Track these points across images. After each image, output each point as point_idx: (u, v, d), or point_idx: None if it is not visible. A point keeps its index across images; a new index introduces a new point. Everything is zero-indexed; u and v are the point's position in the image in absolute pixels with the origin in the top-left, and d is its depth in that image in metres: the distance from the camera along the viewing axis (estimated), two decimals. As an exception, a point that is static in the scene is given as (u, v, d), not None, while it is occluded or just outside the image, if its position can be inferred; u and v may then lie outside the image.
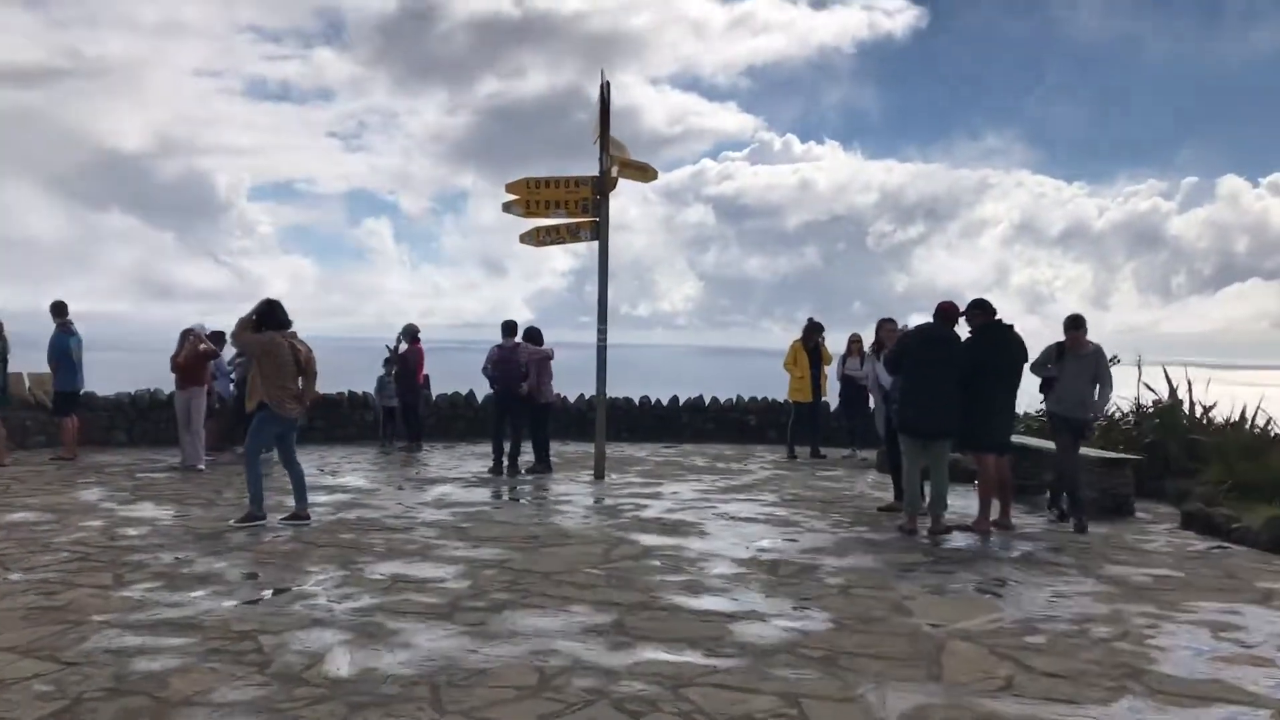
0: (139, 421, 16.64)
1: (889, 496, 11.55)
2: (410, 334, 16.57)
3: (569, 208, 13.14)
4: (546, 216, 13.23)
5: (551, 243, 13.37)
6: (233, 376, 15.49)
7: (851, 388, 16.52)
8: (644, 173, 13.45)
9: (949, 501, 9.87)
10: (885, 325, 15.61)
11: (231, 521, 9.47)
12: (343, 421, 17.95)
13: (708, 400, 19.60)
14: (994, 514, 9.88)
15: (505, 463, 13.54)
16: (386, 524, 9.59)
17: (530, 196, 13.15)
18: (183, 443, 13.70)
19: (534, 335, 13.87)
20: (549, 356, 13.68)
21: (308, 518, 9.65)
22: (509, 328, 13.76)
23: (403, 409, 16.58)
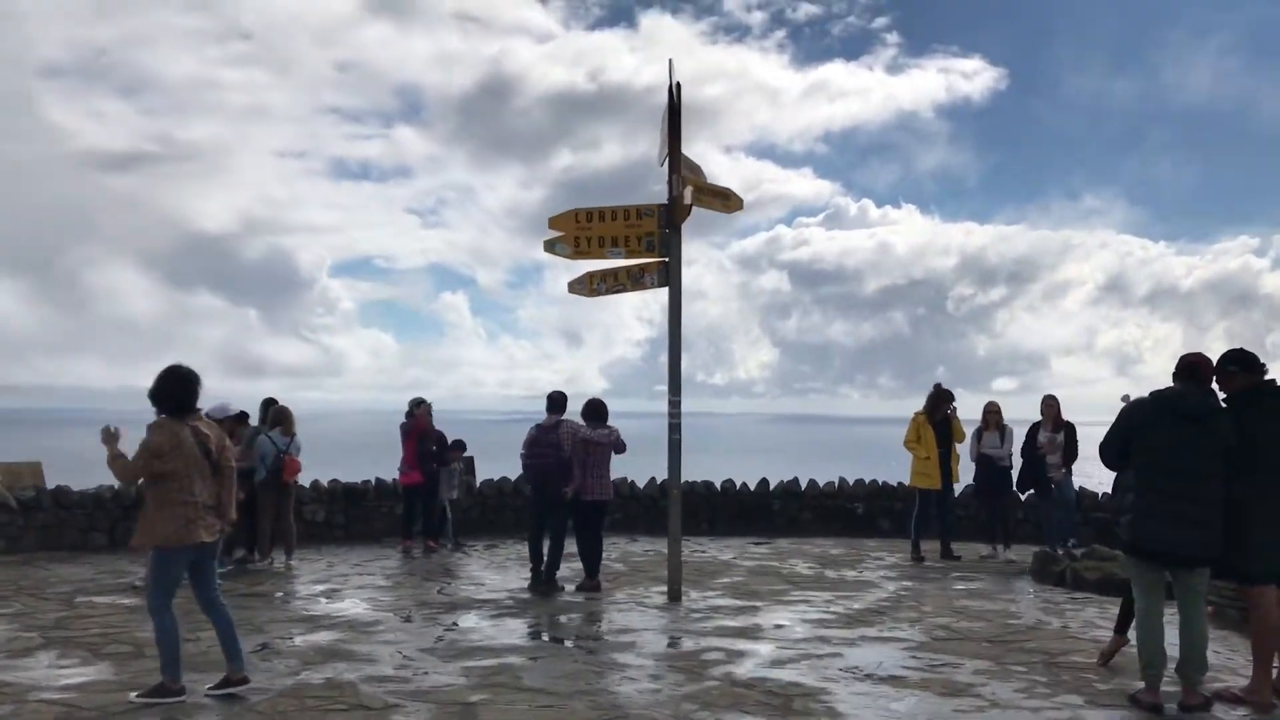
0: (124, 521, 13.86)
1: (1069, 625, 8.22)
2: (412, 406, 13.80)
3: (629, 246, 10.13)
4: (601, 257, 10.23)
5: (609, 291, 10.36)
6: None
7: (990, 470, 13.18)
8: (726, 201, 10.42)
9: (1209, 659, 6.52)
10: (1048, 402, 12.42)
11: (133, 696, 6.45)
12: (366, 515, 15.01)
13: (804, 483, 16.32)
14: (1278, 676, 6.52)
15: (545, 579, 10.47)
16: (364, 695, 6.52)
17: (580, 232, 10.18)
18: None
19: (594, 410, 10.81)
20: (604, 442, 10.61)
21: (244, 681, 6.62)
22: (555, 402, 10.73)
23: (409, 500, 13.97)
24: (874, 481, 16.36)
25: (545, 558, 10.48)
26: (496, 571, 11.85)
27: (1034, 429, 12.95)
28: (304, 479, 14.81)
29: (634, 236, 10.09)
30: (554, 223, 10.26)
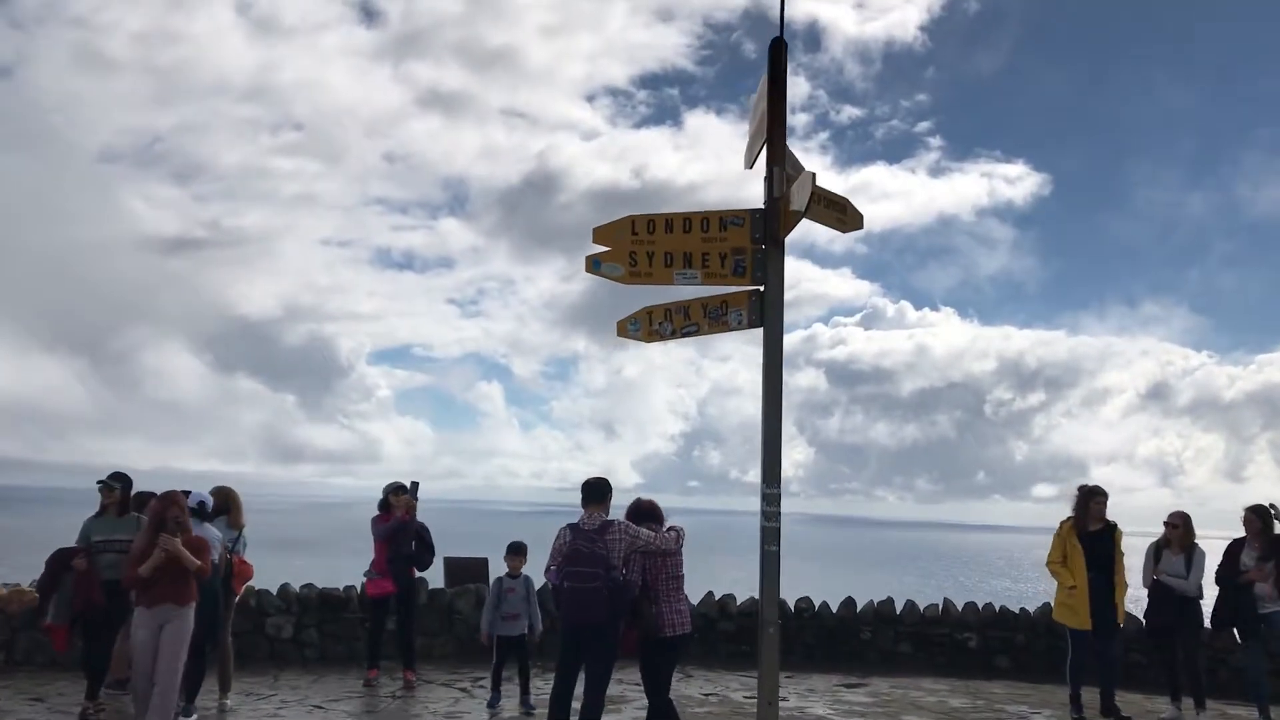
0: (24, 631, 10.73)
1: None
2: (387, 493, 10.69)
3: (708, 267, 7.04)
4: (665, 282, 7.14)
5: (676, 333, 7.24)
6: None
7: (1169, 602, 9.81)
8: (842, 215, 7.33)
9: None
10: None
11: None
12: (346, 631, 11.77)
13: (899, 607, 12.96)
14: None
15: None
16: None
17: (637, 247, 7.11)
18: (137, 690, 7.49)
19: (646, 513, 7.66)
20: (674, 549, 7.42)
21: None
22: (595, 491, 7.51)
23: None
24: (988, 606, 12.97)
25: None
26: (504, 725, 8.58)
27: (1234, 548, 9.65)
28: (270, 581, 11.69)
29: (715, 254, 7.00)
30: (601, 234, 7.19)
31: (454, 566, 13.22)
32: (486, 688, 10.26)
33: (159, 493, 8.09)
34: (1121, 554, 9.64)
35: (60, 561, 8.25)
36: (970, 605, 12.99)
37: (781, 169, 6.91)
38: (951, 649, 12.60)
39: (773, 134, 6.93)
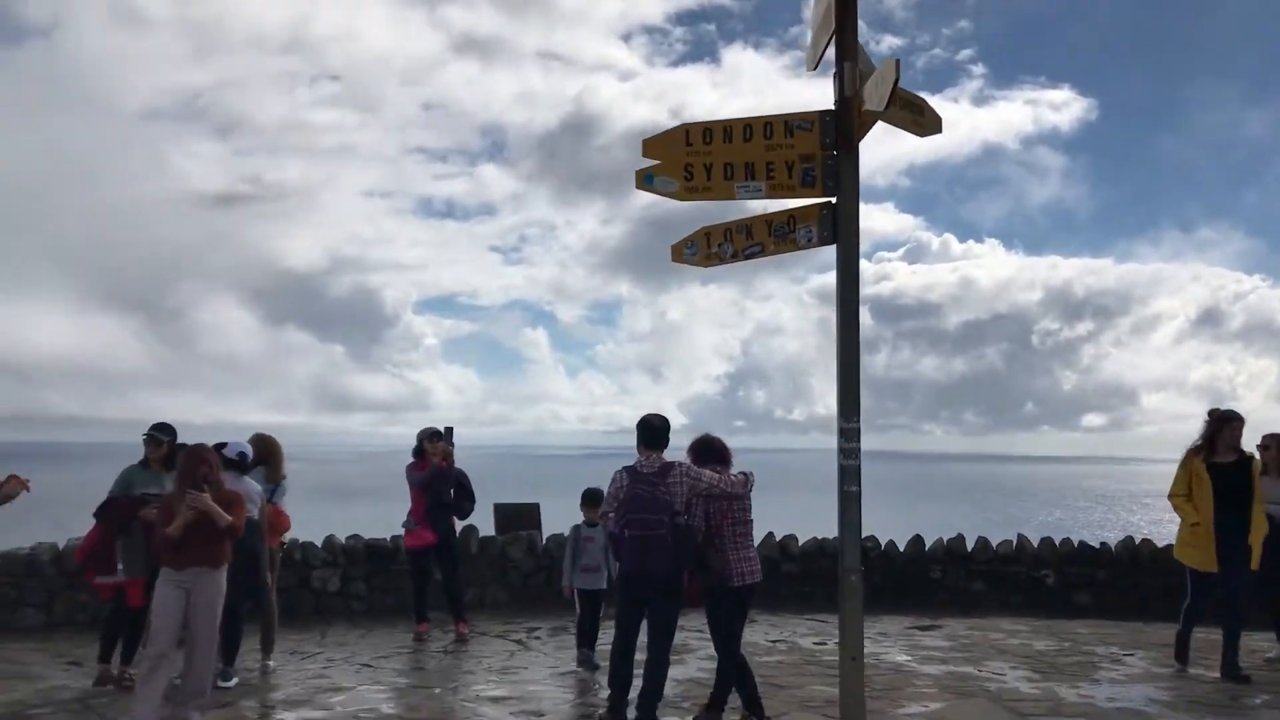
0: (66, 592, 10.37)
1: None
2: (421, 439, 10.15)
3: (774, 179, 6.33)
4: (726, 197, 6.44)
5: (738, 255, 6.56)
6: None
7: (1273, 534, 9.02)
8: (919, 117, 6.57)
9: None
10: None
11: None
12: (394, 582, 11.31)
13: (971, 544, 12.31)
14: None
15: (638, 712, 6.57)
16: None
17: (693, 158, 6.41)
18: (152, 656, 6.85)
19: (709, 450, 6.98)
20: (743, 492, 6.78)
21: None
22: (654, 431, 6.83)
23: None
24: (1065, 542, 12.30)
25: (645, 679, 6.61)
26: (563, 680, 8.06)
27: (1342, 473, 8.86)
28: (320, 532, 11.27)
29: (781, 164, 6.29)
30: (651, 146, 6.48)
31: (504, 513, 12.74)
32: (541, 638, 9.81)
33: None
34: (1260, 489, 8.73)
35: (124, 511, 7.67)
36: (1046, 540, 12.32)
37: (854, 64, 6.19)
38: (1028, 587, 11.96)
39: (843, 24, 6.20)
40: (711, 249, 6.69)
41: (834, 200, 6.24)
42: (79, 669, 8.42)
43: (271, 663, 8.39)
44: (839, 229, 6.22)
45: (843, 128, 6.21)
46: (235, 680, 7.74)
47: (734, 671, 6.71)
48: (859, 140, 6.22)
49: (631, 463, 6.76)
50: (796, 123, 6.33)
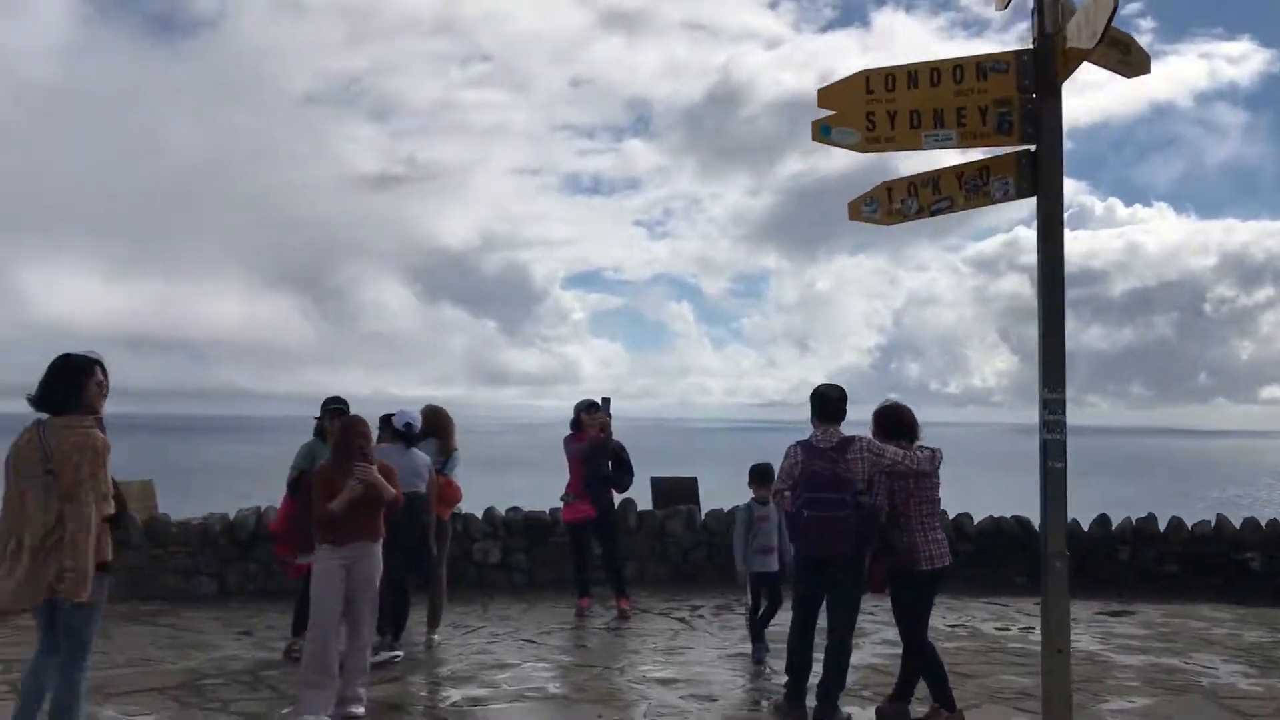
0: (238, 562, 10.58)
1: None
2: (579, 411, 9.92)
3: (966, 125, 5.79)
4: (912, 147, 5.93)
5: (924, 210, 6.04)
6: None
7: None
8: (1126, 56, 5.93)
9: None
10: None
11: None
12: (554, 556, 11.18)
13: (1163, 523, 11.45)
14: None
15: (818, 701, 6.17)
16: None
17: (874, 106, 5.91)
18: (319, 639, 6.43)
19: (895, 421, 6.47)
20: (930, 469, 6.28)
21: None
22: (831, 404, 6.36)
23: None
24: (1272, 523, 11.32)
25: (826, 667, 6.20)
26: (732, 663, 7.73)
27: None
28: (477, 503, 11.21)
29: (974, 109, 5.74)
30: (828, 96, 6.02)
31: (662, 487, 12.47)
32: (705, 616, 9.50)
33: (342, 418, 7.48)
34: None
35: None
36: (1250, 521, 11.38)
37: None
38: (1230, 571, 11.06)
39: (1042, -46, 5.62)
40: (894, 205, 6.21)
41: (1033, 148, 5.70)
42: (249, 639, 8.52)
43: (436, 636, 8.31)
44: (1040, 180, 5.67)
45: (1043, 68, 5.64)
46: (400, 654, 7.65)
47: (921, 660, 6.25)
48: (1062, 81, 5.64)
49: (805, 436, 6.35)
50: (990, 64, 5.79)
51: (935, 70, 5.86)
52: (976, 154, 5.97)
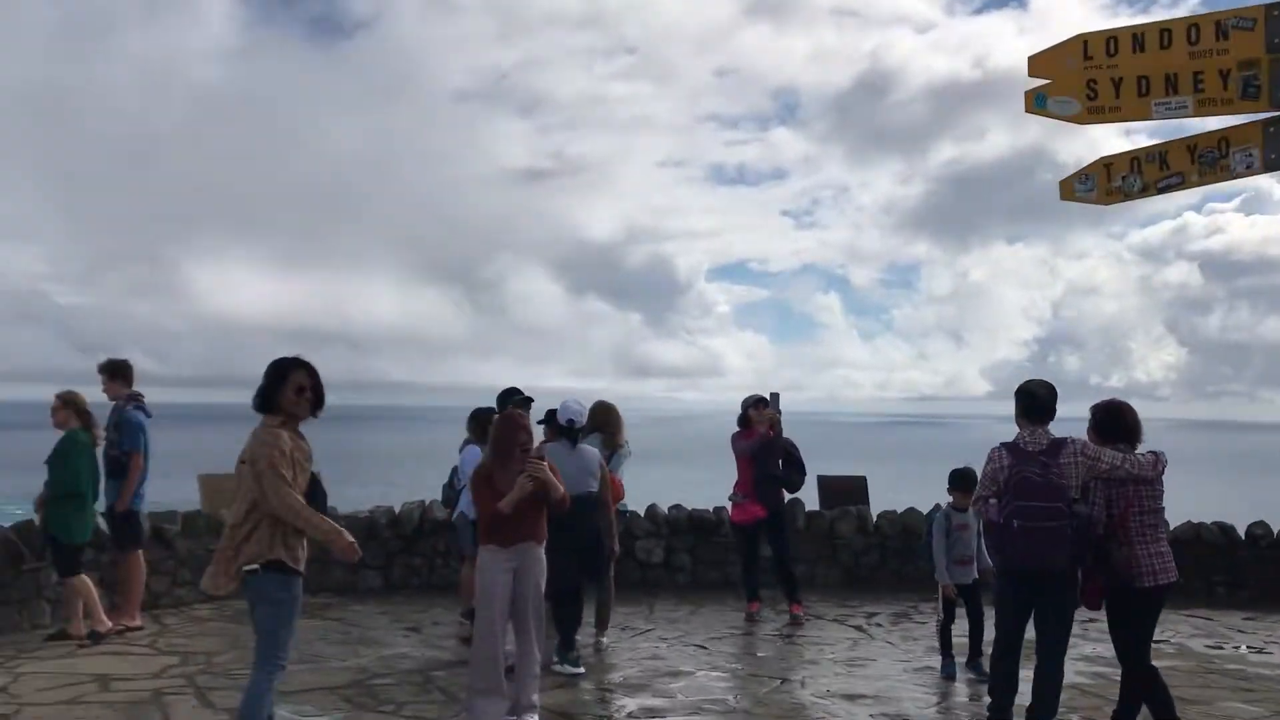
0: (402, 555, 10.59)
1: None
2: (746, 406, 9.46)
3: (1203, 90, 5.18)
4: (1141, 116, 5.34)
5: (1151, 189, 5.45)
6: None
7: None
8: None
9: None
10: None
11: None
12: (719, 556, 10.83)
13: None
14: None
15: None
16: None
17: (1097, 73, 5.34)
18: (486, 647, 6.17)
19: (1115, 422, 5.82)
20: (1151, 474, 5.62)
21: None
22: (1039, 401, 5.75)
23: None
24: None
25: (1036, 691, 5.65)
26: (920, 678, 7.22)
27: None
28: (637, 502, 10.93)
29: (1213, 72, 5.13)
30: (1042, 63, 5.49)
31: (830, 486, 11.98)
32: (883, 625, 9.00)
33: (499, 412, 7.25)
34: None
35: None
36: None
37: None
38: None
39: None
40: (1113, 183, 5.64)
41: (1284, 114, 5.03)
42: (417, 635, 8.43)
43: (605, 639, 8.05)
44: (1296, 150, 5.01)
45: (1301, 21, 4.99)
46: (582, 672, 7.23)
47: (1143, 685, 5.65)
48: (1324, 35, 4.97)
49: (1010, 439, 5.80)
50: (1233, 20, 5.15)
51: (1165, 31, 5.27)
52: (1212, 123, 5.35)
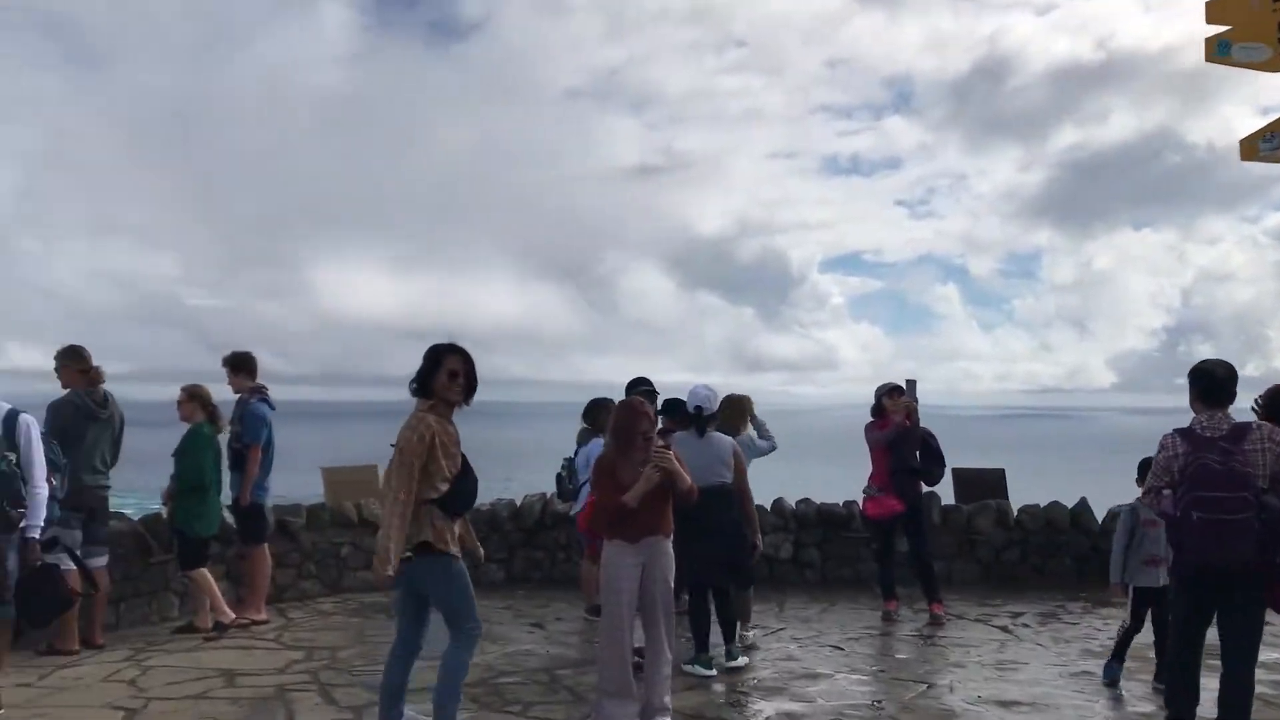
0: (524, 549, 10.43)
1: None
2: (879, 395, 9.01)
3: None
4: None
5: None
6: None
7: None
8: None
9: None
10: None
11: None
12: (849, 552, 10.40)
13: None
14: None
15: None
16: None
17: (1287, 14, 4.79)
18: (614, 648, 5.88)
19: None
20: None
21: None
22: (1214, 382, 5.23)
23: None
24: None
25: (1224, 701, 5.12)
26: (1078, 684, 6.69)
27: None
28: (762, 497, 10.54)
29: None
30: (1219, 8, 4.95)
31: (965, 478, 11.40)
32: (1030, 625, 8.46)
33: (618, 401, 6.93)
34: None
35: None
36: None
37: None
38: None
39: None
40: (1305, 138, 5.04)
41: None
42: (541, 632, 8.22)
43: (750, 633, 7.73)
44: None
45: None
46: (714, 674, 6.90)
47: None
48: None
49: (1186, 425, 5.27)
50: None
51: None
52: None
